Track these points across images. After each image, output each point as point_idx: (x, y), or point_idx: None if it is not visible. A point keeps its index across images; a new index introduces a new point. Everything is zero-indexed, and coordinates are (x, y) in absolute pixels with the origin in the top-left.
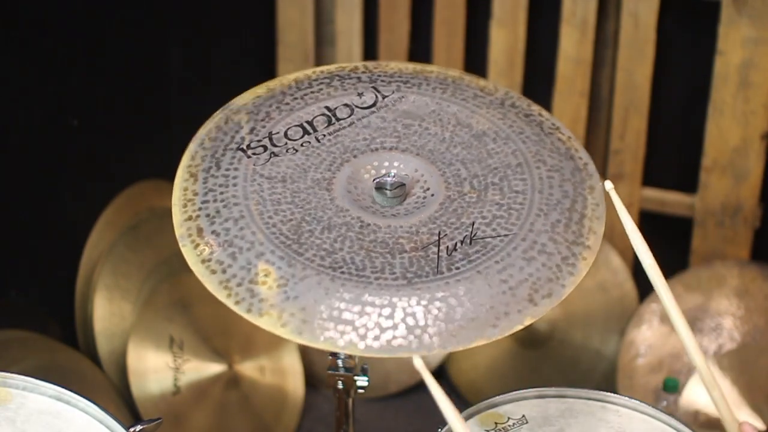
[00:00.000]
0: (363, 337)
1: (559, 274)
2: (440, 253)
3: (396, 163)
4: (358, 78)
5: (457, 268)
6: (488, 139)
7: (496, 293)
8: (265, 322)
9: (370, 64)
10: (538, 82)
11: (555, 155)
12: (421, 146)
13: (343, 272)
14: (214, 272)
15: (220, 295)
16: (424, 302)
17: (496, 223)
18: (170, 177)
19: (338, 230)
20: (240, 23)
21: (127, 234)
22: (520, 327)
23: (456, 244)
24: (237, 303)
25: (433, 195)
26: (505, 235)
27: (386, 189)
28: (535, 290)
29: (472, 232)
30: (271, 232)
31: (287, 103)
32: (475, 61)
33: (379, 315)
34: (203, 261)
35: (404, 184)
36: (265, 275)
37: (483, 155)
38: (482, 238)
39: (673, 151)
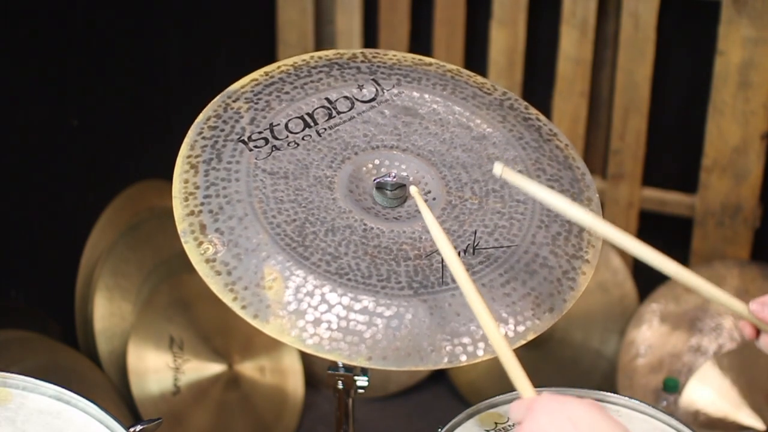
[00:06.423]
0: (371, 348)
1: (560, 289)
2: (444, 263)
3: (397, 163)
4: (358, 68)
5: None
6: (488, 143)
7: (500, 306)
8: (272, 329)
9: (369, 52)
10: (538, 82)
11: (554, 164)
12: (421, 146)
13: (349, 279)
14: (219, 273)
15: (226, 299)
16: (430, 313)
17: (498, 233)
18: (170, 177)
19: (342, 233)
20: (240, 23)
21: (127, 234)
22: (523, 342)
23: (459, 253)
24: (243, 308)
25: (434, 199)
26: (508, 247)
27: (387, 189)
28: (538, 304)
29: (474, 241)
30: (275, 233)
31: (287, 92)
32: (476, 60)
33: (387, 326)
34: (207, 260)
35: (405, 185)
36: (272, 279)
37: (483, 159)
38: (485, 249)
39: (673, 151)
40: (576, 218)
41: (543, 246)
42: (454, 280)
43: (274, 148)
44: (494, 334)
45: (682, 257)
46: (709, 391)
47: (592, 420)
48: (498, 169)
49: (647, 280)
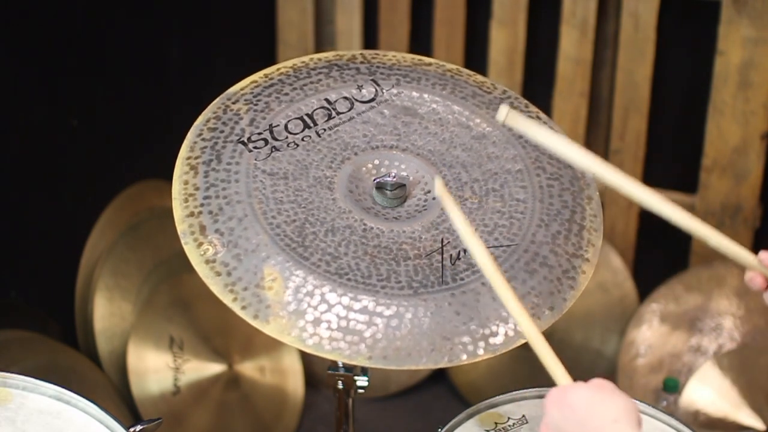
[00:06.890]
0: (371, 348)
1: (560, 288)
2: (444, 263)
3: (396, 163)
4: (357, 69)
5: (462, 279)
6: (488, 142)
7: (500, 306)
8: (272, 329)
9: (368, 53)
10: (538, 82)
11: (554, 162)
12: (421, 146)
13: (349, 279)
14: (218, 274)
15: (226, 299)
16: (431, 313)
17: (498, 232)
18: (170, 177)
19: (342, 233)
20: (240, 23)
21: (127, 234)
22: (524, 341)
23: (459, 252)
24: (243, 308)
25: (434, 198)
26: (508, 246)
27: (387, 189)
28: (538, 303)
29: None
30: (275, 234)
31: (286, 94)
32: (476, 61)
33: (387, 325)
34: (207, 261)
35: (405, 185)
36: (272, 280)
37: (483, 159)
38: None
39: (673, 151)
40: (583, 165)
41: (543, 245)
42: (453, 280)
43: (273, 149)
44: (525, 323)
45: (682, 257)
46: (709, 391)
47: (588, 403)
48: (503, 113)
49: (647, 280)
